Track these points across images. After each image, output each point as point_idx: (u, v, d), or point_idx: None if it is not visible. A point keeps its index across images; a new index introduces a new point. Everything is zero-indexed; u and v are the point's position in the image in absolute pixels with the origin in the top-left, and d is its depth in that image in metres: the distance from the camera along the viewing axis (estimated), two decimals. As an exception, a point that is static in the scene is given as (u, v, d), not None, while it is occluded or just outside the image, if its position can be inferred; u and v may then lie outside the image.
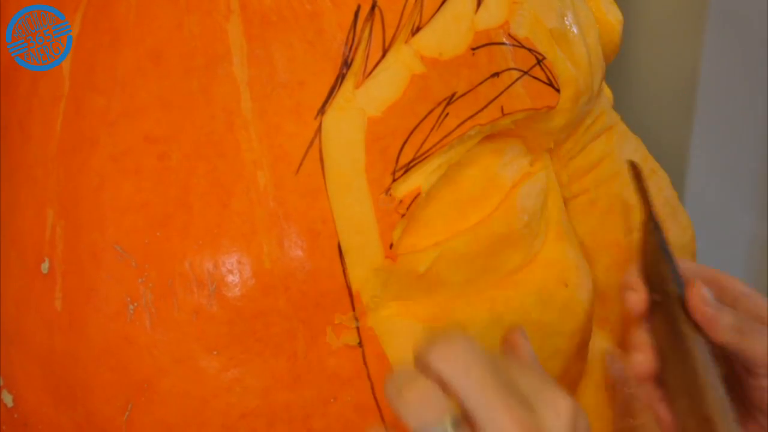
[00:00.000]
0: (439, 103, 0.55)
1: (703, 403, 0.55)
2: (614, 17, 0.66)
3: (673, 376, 0.57)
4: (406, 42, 0.55)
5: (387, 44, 0.55)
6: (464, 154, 0.57)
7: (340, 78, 0.54)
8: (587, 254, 0.65)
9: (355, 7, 0.55)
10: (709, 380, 0.56)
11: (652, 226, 0.62)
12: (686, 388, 0.56)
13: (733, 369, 0.59)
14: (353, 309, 0.54)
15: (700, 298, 0.58)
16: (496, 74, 0.56)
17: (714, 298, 0.58)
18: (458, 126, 0.55)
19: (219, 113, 0.54)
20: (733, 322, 0.58)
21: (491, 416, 0.47)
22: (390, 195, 0.54)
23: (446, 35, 0.56)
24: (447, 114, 0.55)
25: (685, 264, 0.61)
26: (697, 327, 0.58)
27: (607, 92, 0.69)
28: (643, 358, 0.59)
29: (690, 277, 0.59)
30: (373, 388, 0.55)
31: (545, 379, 0.50)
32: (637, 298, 0.60)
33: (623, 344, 0.66)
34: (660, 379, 0.59)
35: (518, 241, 0.59)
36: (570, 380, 0.61)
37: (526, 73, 0.57)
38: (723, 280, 0.60)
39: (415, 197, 0.55)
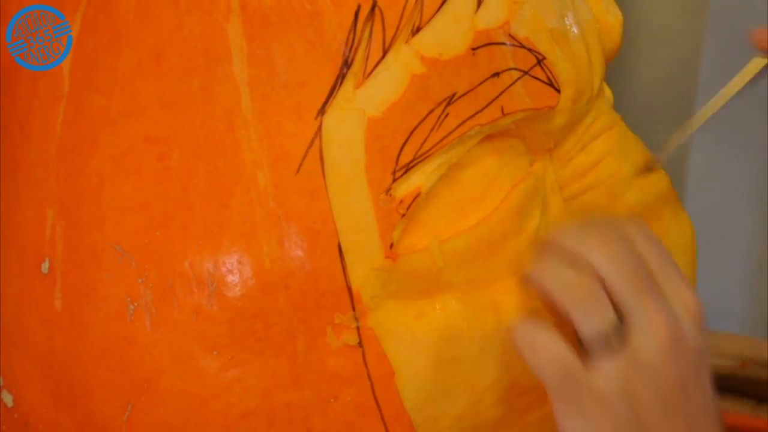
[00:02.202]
0: (440, 103, 0.55)
1: None
2: (614, 17, 0.66)
3: None
4: (406, 42, 0.55)
5: (387, 44, 0.55)
6: (464, 154, 0.57)
7: (341, 78, 0.54)
8: (587, 254, 0.65)
9: (355, 7, 0.55)
10: None
11: None
12: None
13: None
14: (353, 309, 0.54)
15: None
16: (497, 74, 0.56)
17: None
18: (458, 126, 0.55)
19: (219, 113, 0.54)
20: None
21: (646, 317, 0.50)
22: (390, 195, 0.54)
23: (446, 35, 0.56)
24: (447, 114, 0.55)
25: None
26: None
27: (607, 92, 0.69)
28: None
29: None
30: (373, 388, 0.55)
31: (676, 271, 0.52)
32: None
33: None
34: None
35: (517, 241, 0.59)
36: (570, 380, 0.61)
37: (526, 73, 0.57)
38: None
39: (416, 197, 0.55)
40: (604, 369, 0.50)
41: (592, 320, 0.50)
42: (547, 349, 0.50)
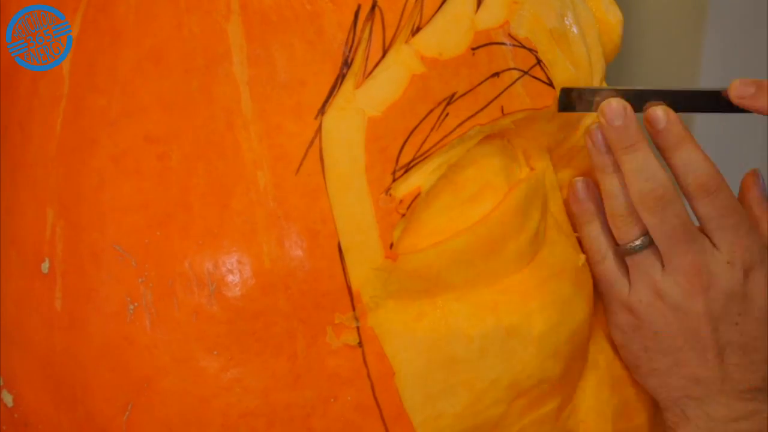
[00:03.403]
0: (439, 103, 0.55)
1: None
2: (614, 17, 0.66)
3: None
4: (406, 42, 0.55)
5: (387, 44, 0.55)
6: (464, 154, 0.57)
7: (341, 78, 0.54)
8: (587, 254, 0.65)
9: (355, 7, 0.55)
10: None
11: None
12: None
13: None
14: (353, 309, 0.54)
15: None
16: (496, 74, 0.56)
17: None
18: (458, 126, 0.55)
19: (219, 113, 0.54)
20: None
21: (672, 252, 0.58)
22: (390, 195, 0.54)
23: (446, 35, 0.56)
24: (447, 114, 0.55)
25: None
26: None
27: (607, 92, 0.69)
28: None
29: None
30: (373, 388, 0.55)
31: (736, 222, 0.58)
32: None
33: None
34: None
35: (517, 241, 0.59)
36: (570, 380, 0.61)
37: (526, 73, 0.57)
38: None
39: (415, 197, 0.55)
40: (634, 287, 0.60)
41: (621, 233, 0.60)
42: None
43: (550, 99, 0.58)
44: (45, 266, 0.56)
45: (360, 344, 0.55)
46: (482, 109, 0.56)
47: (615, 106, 0.58)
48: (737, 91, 0.58)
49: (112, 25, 0.56)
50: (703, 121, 1.04)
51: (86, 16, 0.57)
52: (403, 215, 0.54)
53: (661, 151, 0.59)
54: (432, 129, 0.55)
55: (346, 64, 0.54)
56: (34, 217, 0.57)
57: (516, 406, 0.58)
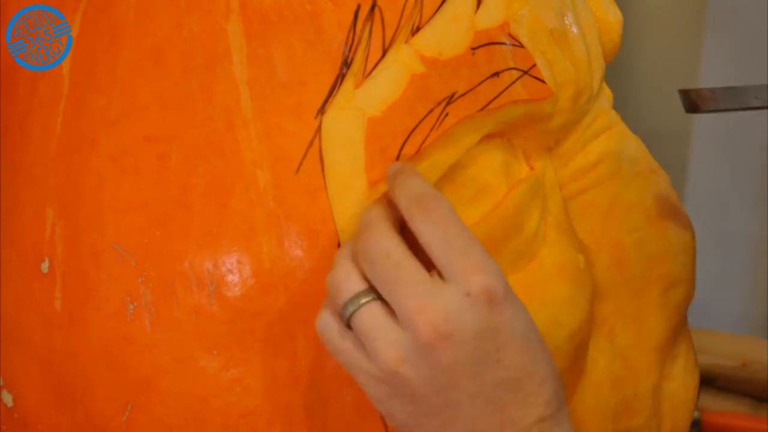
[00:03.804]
0: (439, 103, 0.55)
1: None
2: (614, 17, 0.66)
3: None
4: (406, 42, 0.55)
5: (387, 44, 0.55)
6: (464, 154, 0.57)
7: (340, 78, 0.54)
8: (587, 254, 0.65)
9: (354, 7, 0.55)
10: None
11: None
12: None
13: None
14: (353, 309, 0.54)
15: None
16: (496, 74, 0.56)
17: None
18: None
19: (219, 113, 0.54)
20: None
21: (398, 302, 0.48)
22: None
23: (446, 35, 0.56)
24: (447, 114, 0.55)
25: None
26: None
27: (607, 92, 0.69)
28: None
29: None
30: (373, 388, 0.55)
31: (462, 250, 0.48)
32: None
33: None
34: None
35: (517, 241, 0.59)
36: (569, 380, 0.61)
37: (526, 72, 0.57)
38: None
39: (415, 197, 0.55)
40: (371, 355, 0.49)
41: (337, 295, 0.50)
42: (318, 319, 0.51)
43: (545, 92, 0.58)
44: (45, 266, 0.56)
45: (360, 344, 0.55)
46: (482, 109, 0.56)
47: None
48: None
49: (112, 24, 0.56)
50: (703, 121, 1.04)
51: (86, 16, 0.57)
52: (403, 215, 0.54)
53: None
54: (432, 129, 0.55)
55: (346, 63, 0.54)
56: (33, 217, 0.57)
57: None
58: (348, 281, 0.49)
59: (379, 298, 0.49)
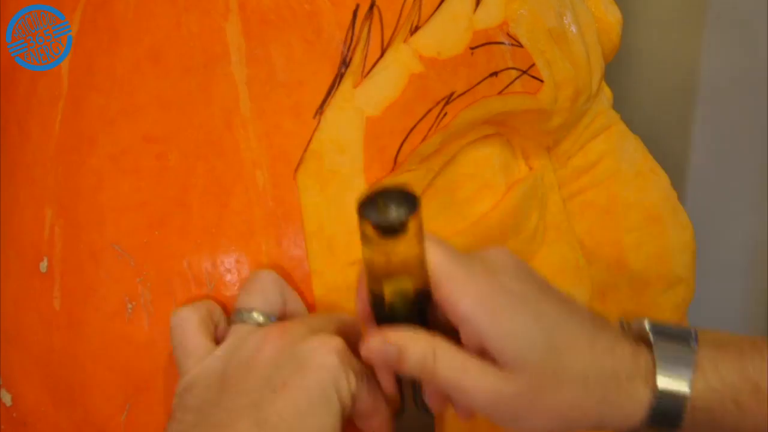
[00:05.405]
0: (438, 103, 0.55)
1: None
2: (613, 16, 0.66)
3: None
4: (404, 41, 0.55)
5: (385, 43, 0.55)
6: (463, 154, 0.57)
7: (339, 77, 0.54)
8: (586, 253, 0.65)
9: (353, 7, 0.55)
10: None
11: None
12: None
13: None
14: (352, 308, 0.54)
15: None
16: (495, 73, 0.56)
17: None
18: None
19: (217, 113, 0.54)
20: None
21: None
22: (388, 194, 0.54)
23: (445, 34, 0.56)
24: (445, 113, 0.55)
25: None
26: None
27: (607, 92, 0.69)
28: None
29: None
30: (371, 388, 0.55)
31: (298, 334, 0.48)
32: None
33: None
34: None
35: (516, 240, 0.59)
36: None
37: (525, 72, 0.57)
38: None
39: (414, 196, 0.55)
40: None
41: None
42: None
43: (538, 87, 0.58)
44: (43, 265, 0.56)
45: (359, 343, 0.55)
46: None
47: None
48: None
49: (111, 23, 0.56)
50: (703, 121, 1.04)
51: (85, 15, 0.57)
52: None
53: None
54: (430, 128, 0.55)
55: (345, 63, 0.54)
56: (32, 217, 0.57)
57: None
58: None
59: None
